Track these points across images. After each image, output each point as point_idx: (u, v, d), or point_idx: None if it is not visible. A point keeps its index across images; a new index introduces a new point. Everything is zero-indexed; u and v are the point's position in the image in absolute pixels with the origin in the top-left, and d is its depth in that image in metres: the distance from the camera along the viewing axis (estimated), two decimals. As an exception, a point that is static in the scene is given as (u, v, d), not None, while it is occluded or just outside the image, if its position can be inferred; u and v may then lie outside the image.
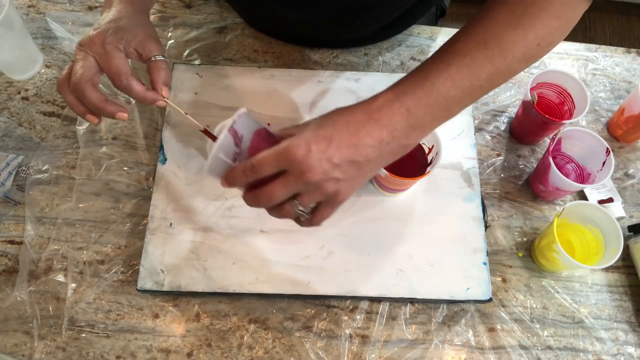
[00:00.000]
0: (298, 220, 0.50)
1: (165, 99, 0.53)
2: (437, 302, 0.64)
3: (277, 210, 0.48)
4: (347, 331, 0.62)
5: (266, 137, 0.48)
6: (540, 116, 0.65)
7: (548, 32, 0.46)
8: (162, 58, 0.53)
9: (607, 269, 0.67)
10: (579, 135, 0.67)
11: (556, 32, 0.47)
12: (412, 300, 0.63)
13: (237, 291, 0.60)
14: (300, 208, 0.47)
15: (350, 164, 0.45)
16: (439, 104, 0.46)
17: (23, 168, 0.69)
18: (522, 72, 0.78)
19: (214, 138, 0.55)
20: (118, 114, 0.52)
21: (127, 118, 0.53)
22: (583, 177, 0.69)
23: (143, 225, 0.65)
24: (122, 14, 0.53)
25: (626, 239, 0.66)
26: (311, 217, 0.49)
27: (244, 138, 0.46)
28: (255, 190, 0.46)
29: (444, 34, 0.82)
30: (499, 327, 0.63)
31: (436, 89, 0.45)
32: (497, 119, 0.76)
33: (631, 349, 0.63)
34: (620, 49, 0.83)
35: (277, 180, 0.45)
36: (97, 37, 0.50)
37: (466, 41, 0.47)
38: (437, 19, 0.89)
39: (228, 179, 0.47)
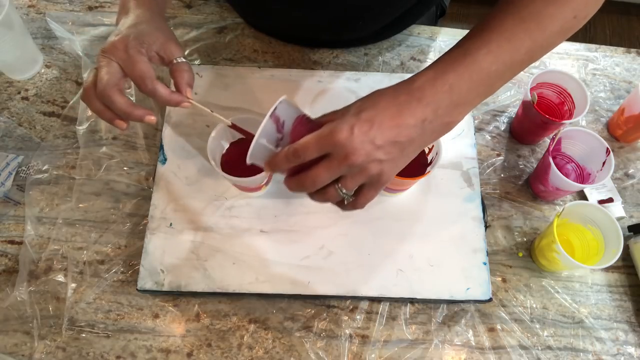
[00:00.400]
0: (340, 204, 0.50)
1: (191, 100, 0.53)
2: (437, 302, 0.64)
3: (320, 194, 0.48)
4: (347, 331, 0.62)
5: (307, 123, 0.47)
6: (540, 116, 0.65)
7: (584, 4, 0.48)
8: (184, 60, 0.53)
9: (607, 269, 0.67)
10: (579, 135, 0.67)
11: (591, 4, 0.49)
12: (412, 300, 0.63)
13: (237, 291, 0.60)
14: (344, 191, 0.47)
15: (393, 144, 0.45)
16: (481, 79, 0.46)
17: (23, 168, 0.69)
18: (522, 72, 0.79)
19: (244, 132, 0.55)
20: (146, 117, 0.52)
21: (155, 121, 0.53)
22: (583, 177, 0.69)
23: (143, 225, 0.65)
24: (141, 19, 0.53)
25: (626, 239, 0.66)
26: (355, 200, 0.49)
27: (285, 124, 0.46)
28: (298, 175, 0.46)
29: (444, 34, 0.82)
30: (499, 327, 0.63)
31: (478, 64, 0.45)
32: (497, 119, 0.76)
33: (631, 349, 0.63)
34: (620, 49, 0.83)
35: (320, 164, 0.45)
36: (120, 43, 0.50)
37: (503, 18, 0.47)
38: (437, 19, 0.89)
39: (270, 164, 0.47)
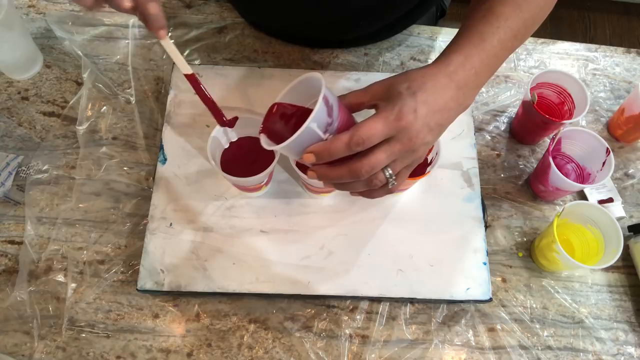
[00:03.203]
0: (374, 191, 0.48)
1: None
2: (437, 302, 0.64)
3: (366, 181, 0.46)
4: (347, 331, 0.62)
5: (343, 106, 0.46)
6: (540, 116, 0.65)
7: None
8: None
9: (607, 269, 0.67)
10: (579, 135, 0.67)
11: None
12: (412, 300, 0.63)
13: (237, 291, 0.60)
14: (390, 173, 0.45)
15: (439, 127, 0.46)
16: (495, 64, 0.50)
17: (23, 168, 0.69)
18: (522, 72, 0.79)
19: (199, 91, 0.51)
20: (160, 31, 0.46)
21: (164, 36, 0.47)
22: (583, 177, 0.69)
23: (143, 225, 0.65)
24: None
25: (626, 239, 0.66)
26: (395, 183, 0.47)
27: (334, 107, 0.43)
28: (348, 163, 0.44)
29: (444, 34, 0.82)
30: (499, 327, 0.63)
31: (493, 50, 0.48)
32: (497, 119, 0.76)
33: (631, 349, 0.63)
34: (620, 49, 0.83)
35: (381, 148, 0.43)
36: None
37: (503, 4, 0.50)
38: (437, 19, 0.89)
39: (322, 153, 0.43)
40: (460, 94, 0.46)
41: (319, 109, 0.41)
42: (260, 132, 0.49)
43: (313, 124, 0.42)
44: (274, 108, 0.49)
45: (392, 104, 0.44)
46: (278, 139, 0.47)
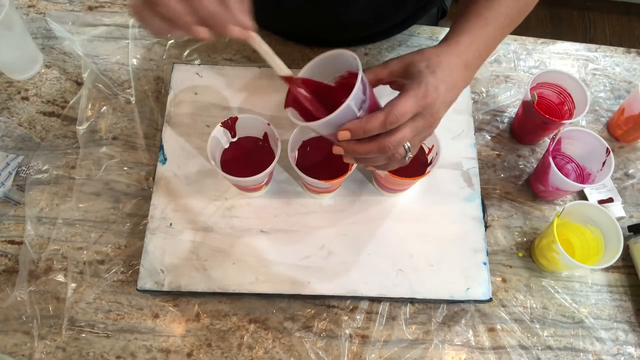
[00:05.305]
0: (389, 163, 0.50)
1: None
2: (437, 302, 0.64)
3: (389, 155, 0.47)
4: (347, 331, 0.62)
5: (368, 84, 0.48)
6: (540, 116, 0.65)
7: None
8: None
9: (607, 269, 0.67)
10: (579, 135, 0.67)
11: None
12: (412, 300, 0.63)
13: (237, 291, 0.60)
14: (408, 146, 0.47)
15: (451, 104, 0.49)
16: (493, 47, 0.54)
17: (23, 168, 0.69)
18: (522, 72, 0.79)
19: (311, 85, 0.49)
20: (244, 31, 0.43)
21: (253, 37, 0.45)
22: (583, 177, 0.69)
23: (143, 225, 0.65)
24: None
25: (626, 239, 0.66)
26: (411, 156, 0.49)
27: (367, 86, 0.45)
28: (378, 140, 0.46)
29: (444, 34, 0.81)
30: (499, 327, 0.63)
31: (494, 35, 0.52)
32: (497, 119, 0.76)
33: (631, 349, 0.63)
34: (620, 49, 0.83)
35: (407, 125, 0.45)
36: None
37: None
38: (438, 20, 0.89)
39: (357, 130, 0.45)
40: (467, 73, 0.50)
41: (358, 88, 0.43)
42: (286, 107, 0.49)
43: (352, 102, 0.43)
44: (298, 83, 0.48)
45: (418, 82, 0.46)
46: (305, 115, 0.49)
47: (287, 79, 0.47)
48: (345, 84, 0.48)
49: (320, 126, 0.45)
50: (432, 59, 0.47)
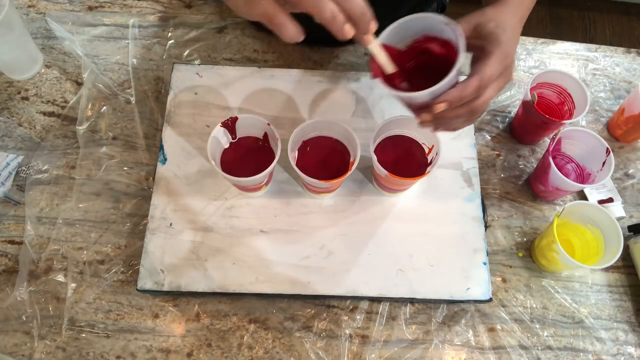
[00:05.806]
0: (465, 122, 0.51)
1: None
2: (437, 302, 0.64)
3: (463, 116, 0.50)
4: (347, 331, 0.62)
5: None
6: (540, 116, 0.65)
7: None
8: None
9: (607, 269, 0.67)
10: (579, 135, 0.67)
11: None
12: (412, 300, 0.63)
13: (237, 291, 0.60)
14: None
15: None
16: (525, 18, 0.55)
17: (23, 168, 0.69)
18: (522, 72, 0.79)
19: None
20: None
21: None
22: (583, 177, 0.69)
23: (143, 225, 0.65)
24: None
25: (626, 239, 0.66)
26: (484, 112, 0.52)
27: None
28: (468, 104, 0.48)
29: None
30: (499, 327, 0.63)
31: (529, 3, 0.55)
32: (497, 119, 0.76)
33: (631, 349, 0.63)
34: (620, 49, 0.83)
35: (492, 86, 0.48)
36: None
37: None
38: None
39: (454, 100, 0.46)
40: (520, 29, 0.53)
41: (461, 58, 0.44)
42: (374, 77, 0.49)
43: (455, 72, 0.45)
44: (383, 51, 0.48)
45: (497, 43, 0.48)
46: (394, 84, 0.49)
47: (386, 78, 0.49)
48: (417, 48, 0.50)
49: (420, 97, 0.46)
50: (498, 19, 0.49)
